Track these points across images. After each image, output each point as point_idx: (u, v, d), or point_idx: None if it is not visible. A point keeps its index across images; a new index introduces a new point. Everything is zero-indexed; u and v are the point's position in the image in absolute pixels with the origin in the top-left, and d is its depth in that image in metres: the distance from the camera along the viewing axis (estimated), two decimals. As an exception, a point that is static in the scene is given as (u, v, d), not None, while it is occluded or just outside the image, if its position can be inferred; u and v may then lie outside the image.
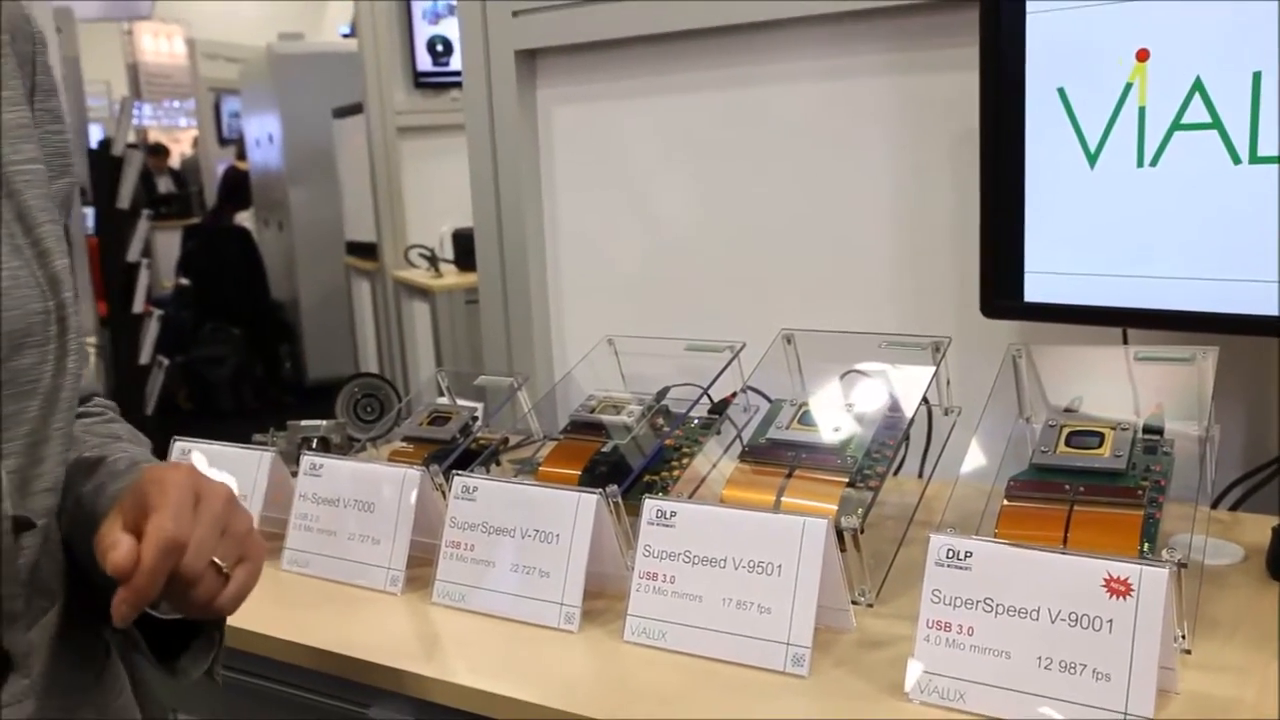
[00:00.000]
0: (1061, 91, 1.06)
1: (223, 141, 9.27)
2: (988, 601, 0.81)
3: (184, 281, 6.39)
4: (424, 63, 4.53)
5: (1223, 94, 0.97)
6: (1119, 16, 1.02)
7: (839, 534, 0.93)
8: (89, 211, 3.89)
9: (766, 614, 0.89)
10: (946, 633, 0.82)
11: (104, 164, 3.67)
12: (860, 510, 0.97)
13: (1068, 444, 0.97)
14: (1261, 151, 0.96)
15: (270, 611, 1.04)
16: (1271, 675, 0.82)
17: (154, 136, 10.24)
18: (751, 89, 1.52)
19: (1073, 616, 0.78)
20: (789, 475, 1.04)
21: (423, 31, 4.53)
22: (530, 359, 1.76)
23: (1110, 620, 0.77)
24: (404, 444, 1.31)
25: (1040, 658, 0.78)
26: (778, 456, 1.06)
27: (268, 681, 1.05)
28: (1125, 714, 0.74)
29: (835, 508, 0.98)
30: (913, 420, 1.10)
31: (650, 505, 0.97)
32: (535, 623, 0.99)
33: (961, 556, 0.82)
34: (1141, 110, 1.02)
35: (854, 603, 0.96)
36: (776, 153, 1.52)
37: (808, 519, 0.90)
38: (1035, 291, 1.12)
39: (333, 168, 5.44)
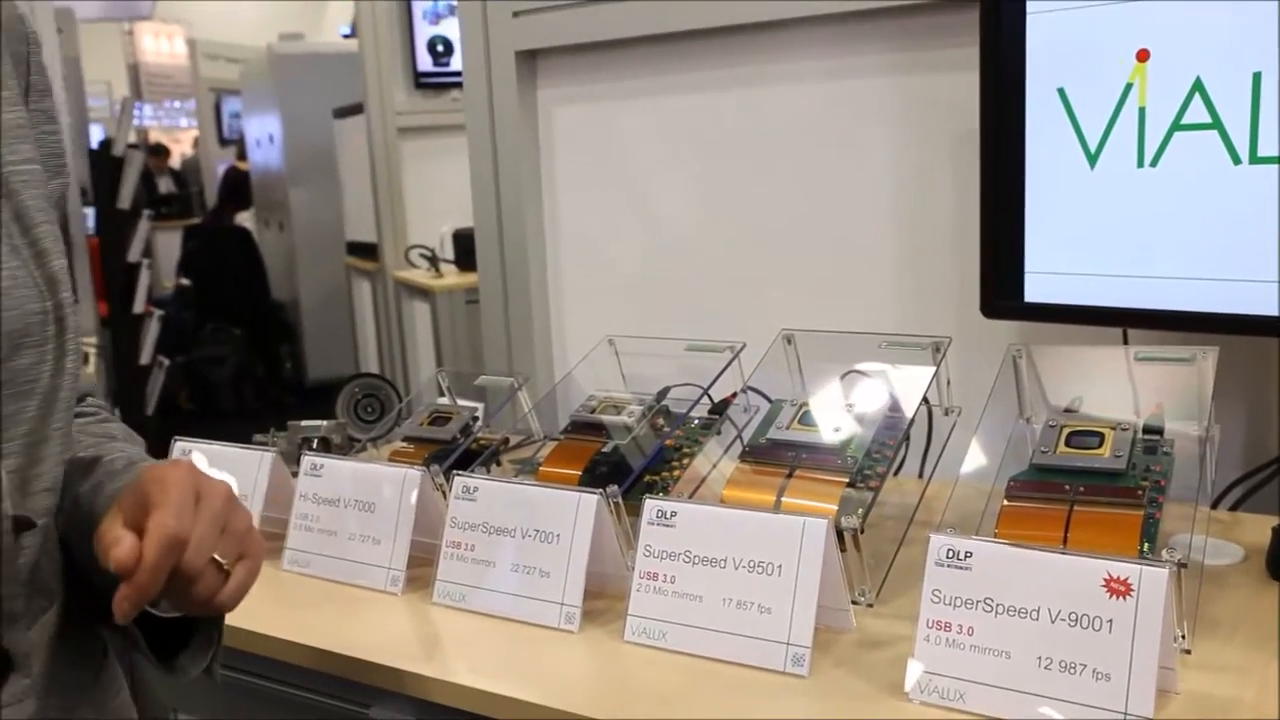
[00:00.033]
0: (1062, 92, 1.07)
1: (223, 142, 9.28)
2: (988, 601, 0.81)
3: (185, 282, 6.39)
4: (424, 63, 4.53)
5: (1223, 94, 0.97)
6: (1119, 17, 1.02)
7: (839, 534, 0.93)
8: (89, 212, 3.89)
9: (767, 614, 0.89)
10: (946, 633, 0.82)
11: (105, 164, 3.67)
12: (860, 510, 0.97)
13: (1068, 444, 0.97)
14: (1261, 152, 0.96)
15: (271, 611, 1.04)
16: (1271, 675, 0.82)
17: (155, 137, 10.25)
18: (751, 89, 1.52)
19: (1073, 616, 0.78)
20: (789, 475, 1.04)
21: (423, 32, 4.54)
22: (531, 359, 1.76)
23: (1110, 620, 0.77)
24: (404, 444, 1.31)
25: (1040, 658, 0.78)
26: (778, 457, 1.06)
27: (268, 681, 1.05)
28: (1125, 714, 0.74)
29: (835, 508, 0.98)
30: (913, 420, 1.10)
31: (650, 505, 0.97)
32: (536, 623, 0.99)
33: (961, 556, 0.82)
34: (1142, 110, 1.02)
35: (854, 603, 0.96)
36: (777, 153, 1.52)
37: (808, 519, 0.90)
38: (1035, 292, 1.12)
39: (333, 168, 5.44)
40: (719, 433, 1.21)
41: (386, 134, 4.45)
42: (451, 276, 4.01)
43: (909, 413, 1.10)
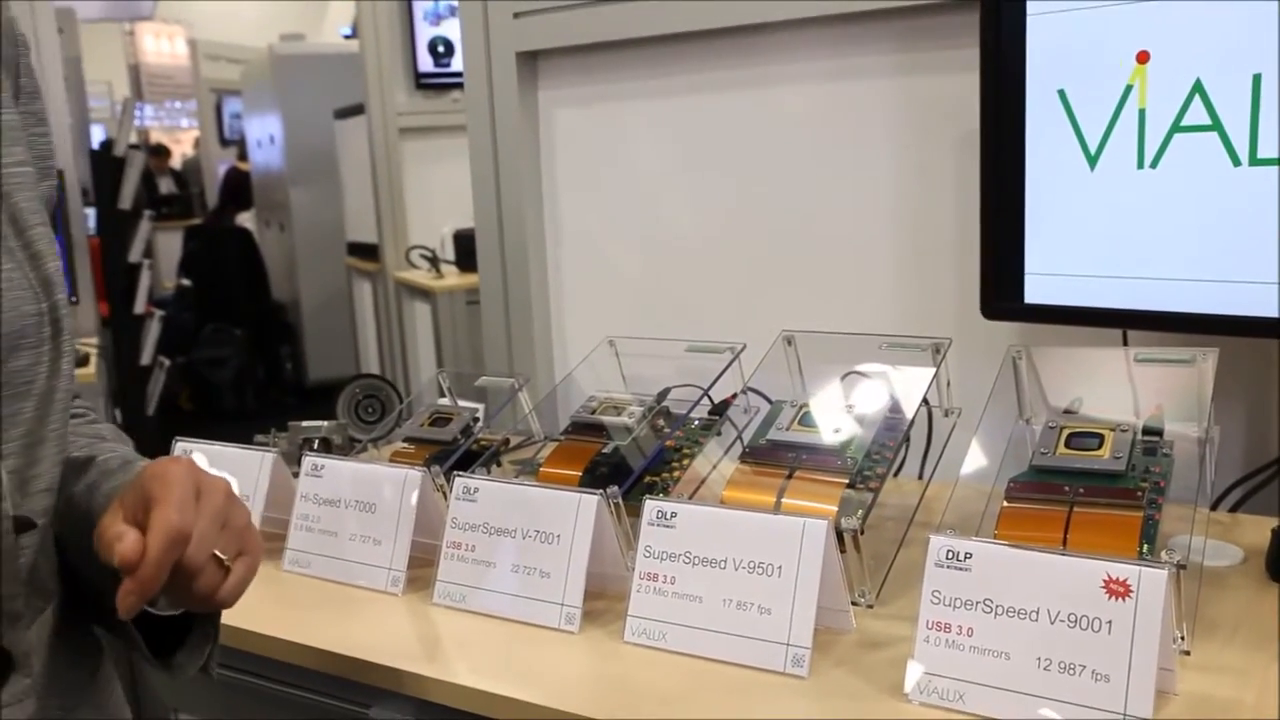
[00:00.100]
0: (1062, 93, 1.07)
1: (224, 142, 9.28)
2: (987, 602, 0.81)
3: (185, 282, 6.40)
4: (425, 64, 4.53)
5: (1223, 96, 0.98)
6: (1119, 18, 1.02)
7: (839, 535, 0.94)
8: (90, 212, 3.89)
9: (766, 615, 0.89)
10: (946, 634, 0.82)
11: (106, 165, 3.67)
12: (860, 511, 0.97)
13: (1067, 445, 0.97)
14: (1261, 153, 0.96)
15: (271, 612, 1.04)
16: (1271, 677, 0.82)
17: (155, 137, 10.26)
18: (752, 90, 1.53)
19: (1072, 617, 0.78)
20: (789, 476, 1.04)
21: (424, 32, 4.54)
22: (531, 360, 1.76)
23: (1109, 621, 0.77)
24: (405, 445, 1.32)
25: (1039, 659, 0.78)
26: (778, 457, 1.06)
27: (268, 681, 1.05)
28: (1124, 715, 0.74)
29: (835, 509, 0.98)
30: (913, 421, 1.10)
31: (651, 506, 0.97)
32: (536, 623, 0.99)
33: (961, 557, 0.82)
34: (1142, 112, 1.02)
35: (854, 604, 0.96)
36: (777, 153, 1.52)
37: (808, 520, 0.90)
38: (1035, 293, 1.12)
39: (334, 169, 5.44)
40: (719, 434, 1.21)
41: (387, 135, 4.46)
42: (452, 277, 4.02)
43: (909, 414, 1.10)
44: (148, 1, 6.50)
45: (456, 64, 4.29)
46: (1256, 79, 0.95)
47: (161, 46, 10.47)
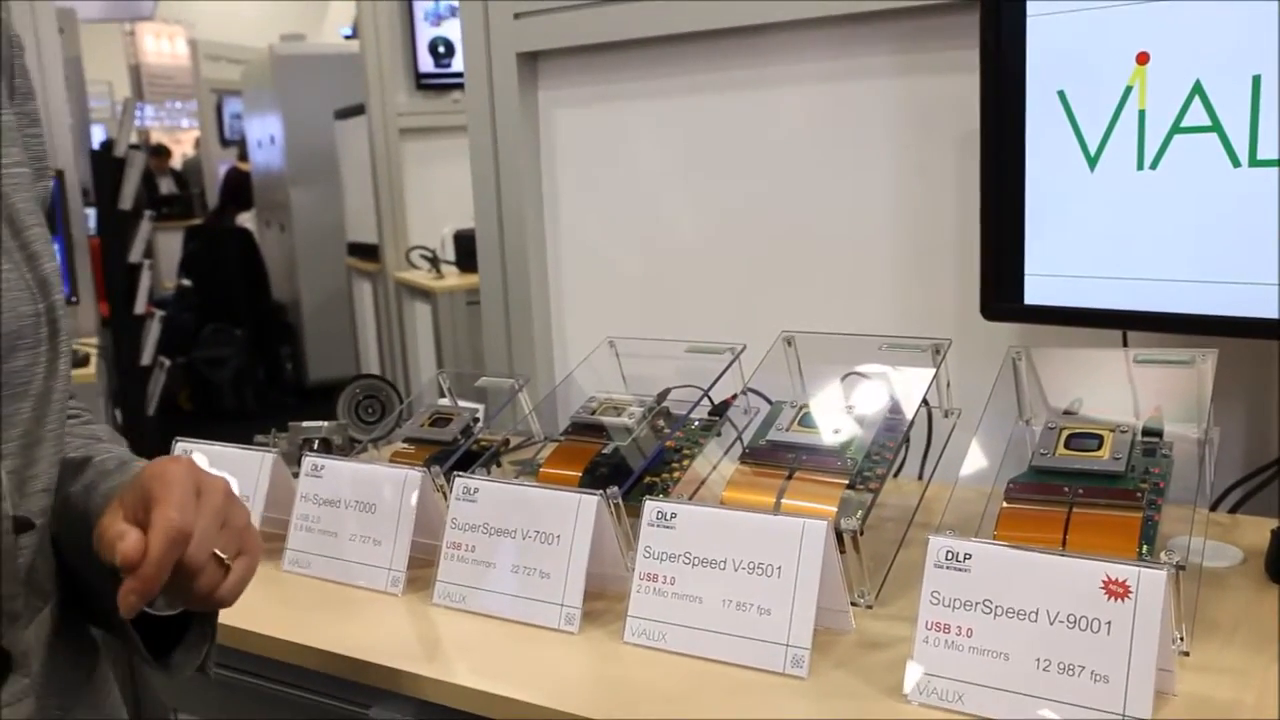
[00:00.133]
0: (1062, 94, 1.07)
1: (224, 143, 9.28)
2: (987, 603, 0.81)
3: (186, 282, 6.40)
4: (426, 64, 4.53)
5: (1222, 97, 0.98)
6: (1119, 19, 1.02)
7: (839, 536, 0.94)
8: (91, 212, 3.89)
9: (766, 615, 0.89)
10: (946, 634, 0.82)
11: (106, 165, 3.67)
12: (860, 512, 0.97)
13: (1067, 446, 0.97)
14: (1261, 155, 0.96)
15: (271, 612, 1.04)
16: (1271, 678, 0.82)
17: (156, 137, 10.27)
18: (752, 91, 1.53)
19: (1071, 618, 0.78)
20: (789, 477, 1.04)
21: (424, 33, 4.54)
22: (531, 360, 1.77)
23: (1109, 622, 0.77)
24: (405, 445, 1.32)
25: (1039, 659, 0.78)
26: (778, 458, 1.06)
27: (268, 681, 1.05)
28: (1123, 715, 0.75)
29: (835, 509, 0.98)
30: (913, 422, 1.10)
31: (651, 507, 0.97)
32: (536, 624, 0.99)
33: (961, 558, 0.83)
34: (1141, 113, 1.02)
35: (853, 604, 0.96)
36: (777, 154, 1.53)
37: (808, 521, 0.90)
38: (1035, 294, 1.12)
39: (334, 169, 5.45)
40: (719, 434, 1.21)
41: (388, 135, 4.46)
42: (452, 278, 4.02)
43: (909, 414, 1.10)
44: (148, 1, 6.50)
45: (457, 64, 4.29)
46: (1256, 80, 0.95)
47: (162, 47, 10.48)
